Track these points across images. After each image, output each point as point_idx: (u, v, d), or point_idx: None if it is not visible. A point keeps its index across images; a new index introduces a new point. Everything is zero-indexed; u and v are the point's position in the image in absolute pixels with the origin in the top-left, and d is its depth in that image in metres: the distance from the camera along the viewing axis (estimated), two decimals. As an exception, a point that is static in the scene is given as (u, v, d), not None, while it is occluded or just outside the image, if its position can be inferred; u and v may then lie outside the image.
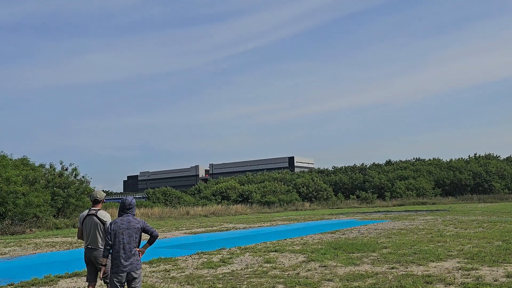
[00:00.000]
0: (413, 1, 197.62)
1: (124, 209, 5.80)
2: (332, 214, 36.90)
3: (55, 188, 31.52)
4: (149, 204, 48.75)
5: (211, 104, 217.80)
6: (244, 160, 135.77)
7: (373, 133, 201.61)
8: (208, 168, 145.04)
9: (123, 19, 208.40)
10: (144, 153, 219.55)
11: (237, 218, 35.60)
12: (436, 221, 23.37)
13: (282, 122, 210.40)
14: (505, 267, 9.12)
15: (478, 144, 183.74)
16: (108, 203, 43.63)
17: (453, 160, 69.88)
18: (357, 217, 30.85)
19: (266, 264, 10.69)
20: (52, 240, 19.77)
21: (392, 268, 9.54)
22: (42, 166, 33.96)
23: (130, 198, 5.88)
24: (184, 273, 9.80)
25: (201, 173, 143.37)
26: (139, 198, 64.74)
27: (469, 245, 12.74)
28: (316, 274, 9.18)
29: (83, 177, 34.84)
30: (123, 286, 5.55)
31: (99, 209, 6.79)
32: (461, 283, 7.76)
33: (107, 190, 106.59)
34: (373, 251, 12.18)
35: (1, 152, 32.49)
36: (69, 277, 9.86)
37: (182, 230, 24.07)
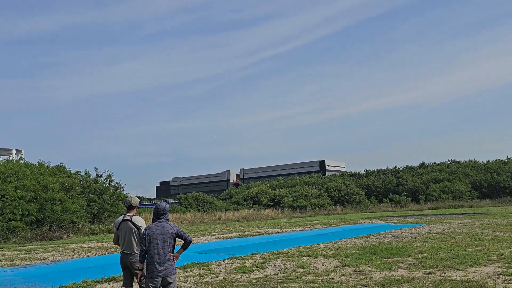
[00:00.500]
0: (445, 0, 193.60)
1: (158, 214, 5.85)
2: (365, 218, 36.36)
3: (90, 195, 32.28)
4: (181, 209, 49.27)
5: (241, 109, 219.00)
6: (275, 164, 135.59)
7: (405, 135, 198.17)
8: (239, 173, 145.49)
9: (153, 28, 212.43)
10: (176, 159, 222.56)
11: (269, 223, 35.54)
12: (473, 224, 22.69)
13: (312, 126, 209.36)
14: (550, 272, 8.74)
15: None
16: (142, 209, 44.37)
17: (490, 161, 67.71)
18: (391, 221, 30.28)
19: (299, 269, 10.61)
20: (88, 246, 20.22)
21: (429, 273, 9.29)
22: (78, 173, 34.86)
23: (163, 204, 5.93)
24: (218, 278, 9.82)
25: (232, 178, 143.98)
26: (171, 203, 65.47)
27: (510, 249, 12.30)
28: (350, 279, 9.04)
29: (117, 183, 35.58)
30: (159, 291, 5.60)
31: (133, 215, 6.89)
32: (503, 289, 7.48)
33: (141, 196, 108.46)
34: (409, 256, 11.91)
35: (39, 160, 33.64)
36: (106, 282, 10.04)
37: (215, 235, 24.19)
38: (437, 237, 16.77)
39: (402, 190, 60.97)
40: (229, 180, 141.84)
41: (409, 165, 74.56)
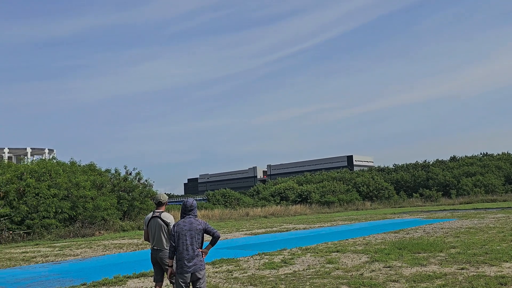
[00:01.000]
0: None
1: (186, 210, 5.90)
2: (394, 213, 35.84)
3: (120, 192, 32.85)
4: (209, 206, 49.66)
5: (267, 105, 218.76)
6: (302, 160, 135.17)
7: (435, 128, 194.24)
8: (266, 169, 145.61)
9: (177, 27, 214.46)
10: (203, 156, 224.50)
11: (297, 219, 35.45)
12: (508, 219, 22.06)
13: (339, 121, 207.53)
14: None
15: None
16: (170, 206, 44.92)
17: (525, 154, 65.73)
18: (422, 216, 29.75)
19: (328, 265, 10.54)
20: (119, 242, 20.61)
21: (462, 268, 9.09)
22: (108, 171, 35.51)
23: (190, 200, 5.97)
24: (247, 274, 9.86)
25: (259, 174, 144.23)
26: (199, 200, 66.10)
27: (547, 244, 11.91)
28: (380, 274, 8.93)
29: (146, 180, 36.08)
30: (188, 287, 5.66)
31: (162, 211, 6.97)
32: (540, 285, 7.25)
33: (169, 193, 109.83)
34: (441, 251, 11.68)
35: (71, 159, 34.44)
36: (137, 277, 10.21)
37: (243, 231, 24.29)
38: (469, 232, 16.38)
39: (432, 184, 59.80)
40: (256, 176, 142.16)
41: (440, 159, 73.13)
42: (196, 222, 5.78)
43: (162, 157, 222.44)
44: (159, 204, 7.02)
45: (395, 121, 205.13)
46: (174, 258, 5.77)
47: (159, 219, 6.84)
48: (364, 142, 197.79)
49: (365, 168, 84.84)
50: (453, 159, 72.43)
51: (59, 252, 17.38)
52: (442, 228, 18.93)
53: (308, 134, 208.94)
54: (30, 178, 26.25)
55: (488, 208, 34.98)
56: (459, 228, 18.61)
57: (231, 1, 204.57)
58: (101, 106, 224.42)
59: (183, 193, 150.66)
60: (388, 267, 9.80)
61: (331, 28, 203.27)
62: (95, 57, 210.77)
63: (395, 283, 8.08)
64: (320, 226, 25.05)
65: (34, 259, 15.14)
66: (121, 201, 32.10)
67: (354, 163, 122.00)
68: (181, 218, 5.89)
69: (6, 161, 35.40)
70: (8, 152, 63.05)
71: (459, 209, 36.73)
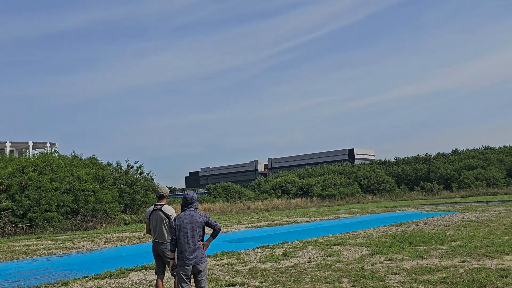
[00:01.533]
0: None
1: (187, 203, 5.91)
2: (395, 207, 35.88)
3: (122, 185, 32.92)
4: (210, 199, 49.78)
5: (270, 98, 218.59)
6: (303, 153, 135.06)
7: (436, 122, 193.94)
8: (267, 163, 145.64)
9: (181, 19, 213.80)
10: (205, 150, 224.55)
11: (298, 212, 35.51)
12: (509, 212, 22.07)
13: (340, 114, 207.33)
14: None
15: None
16: (171, 199, 45.04)
17: (527, 147, 65.64)
18: (423, 209, 29.78)
19: (329, 258, 10.57)
20: (121, 235, 20.68)
21: (463, 261, 9.11)
22: (109, 164, 35.57)
23: (191, 193, 5.98)
24: (248, 267, 9.89)
25: (261, 168, 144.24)
26: (200, 193, 66.25)
27: (548, 237, 11.92)
28: (381, 267, 8.95)
29: (147, 174, 36.14)
30: (190, 279, 5.68)
31: (164, 204, 6.99)
32: (540, 278, 7.26)
33: (170, 187, 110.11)
34: (442, 244, 11.70)
35: (73, 152, 34.51)
36: (139, 270, 10.25)
37: (244, 224, 24.35)
38: (470, 225, 16.40)
39: (433, 177, 59.81)
40: (257, 169, 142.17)
41: (441, 152, 73.08)
42: (197, 215, 5.79)
43: (164, 150, 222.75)
44: (160, 197, 7.04)
45: (397, 114, 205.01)
46: (176, 251, 5.79)
47: (160, 212, 6.86)
48: (366, 135, 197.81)
49: (366, 162, 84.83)
50: (454, 152, 72.37)
51: (61, 245, 17.45)
52: (443, 221, 18.95)
53: (310, 127, 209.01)
54: (32, 171, 26.31)
55: (490, 201, 35.00)
56: (460, 221, 18.62)
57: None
58: (104, 99, 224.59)
59: (184, 187, 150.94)
60: (389, 260, 9.82)
61: (334, 20, 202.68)
62: (98, 51, 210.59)
63: (396, 275, 8.10)
64: (321, 219, 25.09)
65: (37, 252, 15.21)
66: (123, 194, 32.18)
67: (356, 156, 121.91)
68: (182, 211, 5.91)
69: (8, 154, 35.48)
70: (10, 146, 63.13)
71: (460, 202, 36.75)
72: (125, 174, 34.50)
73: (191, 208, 5.88)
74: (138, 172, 35.66)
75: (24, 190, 25.37)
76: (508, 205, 28.31)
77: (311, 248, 12.40)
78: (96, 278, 9.42)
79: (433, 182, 57.90)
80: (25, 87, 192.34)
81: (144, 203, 33.56)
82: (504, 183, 55.81)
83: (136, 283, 8.77)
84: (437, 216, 22.34)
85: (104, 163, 35.40)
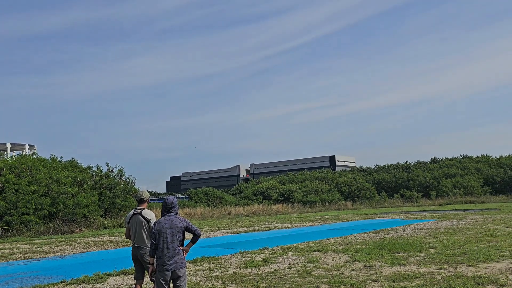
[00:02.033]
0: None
1: (167, 208, 5.88)
2: (375, 214, 36.21)
3: (102, 189, 32.53)
4: (191, 204, 49.48)
5: (252, 104, 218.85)
6: (285, 159, 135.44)
7: (416, 130, 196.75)
8: (249, 168, 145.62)
9: (165, 23, 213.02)
10: (186, 154, 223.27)
11: (279, 218, 35.56)
12: (486, 220, 22.49)
13: (322, 121, 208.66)
14: None
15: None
16: (152, 203, 44.61)
17: (503, 156, 67.05)
18: (402, 216, 30.13)
19: (309, 264, 10.61)
20: (100, 239, 20.41)
21: (440, 268, 9.25)
22: (89, 168, 35.11)
23: (171, 198, 5.96)
24: (228, 272, 9.87)
25: (242, 173, 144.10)
26: (181, 198, 65.83)
27: (523, 245, 12.18)
28: (360, 274, 9.03)
29: (128, 178, 35.77)
30: (169, 284, 5.65)
31: (144, 209, 6.94)
32: (515, 285, 7.42)
33: (151, 191, 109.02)
34: (420, 251, 11.86)
35: (52, 155, 33.99)
36: (117, 275, 10.14)
37: (225, 229, 24.28)
38: (448, 233, 16.66)
39: (413, 185, 60.63)
40: (239, 175, 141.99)
41: (421, 160, 74.20)
42: (177, 220, 5.77)
43: (145, 154, 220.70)
44: (140, 201, 6.99)
45: (377, 122, 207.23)
46: (155, 256, 5.75)
47: (140, 216, 6.81)
48: (347, 143, 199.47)
49: (347, 169, 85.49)
50: (433, 160, 73.55)
51: (38, 249, 17.14)
52: (421, 229, 19.20)
53: (292, 133, 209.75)
54: (10, 174, 25.82)
55: (467, 209, 35.61)
56: (438, 228, 18.90)
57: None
58: (85, 102, 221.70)
59: (165, 191, 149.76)
60: (368, 266, 9.91)
61: (317, 28, 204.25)
62: (80, 52, 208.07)
63: (375, 282, 8.17)
64: (302, 226, 25.18)
65: (13, 256, 14.91)
66: (103, 198, 31.79)
67: (337, 163, 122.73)
68: (162, 216, 5.87)
69: (-16, 156, 34.72)
70: (-14, 147, 61.87)
71: (438, 210, 37.30)
72: (105, 177, 34.11)
73: (171, 213, 5.85)
74: (119, 176, 35.29)
75: (0, 192, 24.87)
76: (485, 213, 28.85)
77: (291, 254, 12.44)
78: (73, 283, 9.28)
79: (412, 190, 58.68)
80: (3, 87, 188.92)
81: (124, 207, 33.18)
82: (481, 191, 56.90)
83: (114, 288, 8.66)
84: (415, 224, 22.63)
85: (84, 166, 34.94)
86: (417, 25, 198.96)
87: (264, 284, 8.34)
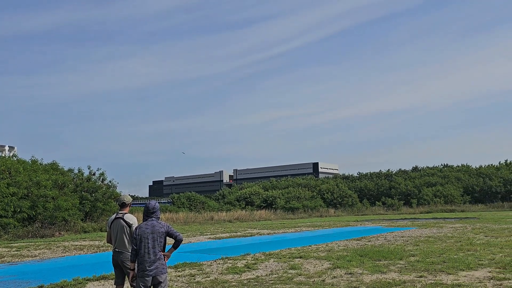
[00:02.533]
0: (442, 4, 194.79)
1: (148, 213, 5.85)
2: (357, 221, 36.44)
3: (83, 193, 32.10)
4: (174, 209, 49.13)
5: (237, 109, 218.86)
6: (268, 165, 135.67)
7: (399, 138, 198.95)
8: (232, 174, 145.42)
9: (150, 26, 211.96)
10: (169, 158, 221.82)
11: (261, 224, 35.53)
12: (465, 229, 22.82)
13: (306, 128, 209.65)
14: (539, 278, 8.81)
15: (509, 150, 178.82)
16: (134, 208, 44.12)
17: (483, 166, 68.18)
18: (383, 224, 30.38)
19: (291, 271, 10.62)
20: (80, 244, 20.12)
21: (421, 276, 9.34)
22: (71, 170, 34.64)
23: (153, 202, 5.92)
24: (209, 278, 9.81)
25: (225, 179, 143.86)
26: (164, 203, 65.30)
27: (501, 254, 12.38)
28: (342, 281, 9.07)
29: (110, 181, 35.38)
30: (150, 290, 5.59)
31: (126, 213, 6.88)
32: (492, 293, 7.53)
33: (133, 195, 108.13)
34: (400, 259, 11.96)
35: (32, 157, 33.43)
36: (97, 280, 10.00)
37: (207, 235, 24.16)
38: (428, 241, 16.84)
39: (394, 193, 61.24)
40: (222, 180, 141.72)
41: (402, 168, 75.00)
42: (158, 225, 5.73)
43: (128, 158, 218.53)
44: (122, 205, 6.93)
45: (360, 130, 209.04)
46: (136, 261, 5.70)
47: (121, 220, 6.75)
48: (330, 150, 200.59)
49: (330, 176, 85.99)
50: (415, 169, 74.40)
51: (16, 252, 16.81)
52: (402, 237, 19.38)
53: (276, 139, 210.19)
54: (-12, 175, 25.32)
55: (447, 218, 36.08)
56: (419, 236, 19.10)
57: (206, 2, 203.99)
58: (67, 103, 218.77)
59: (147, 195, 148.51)
60: (349, 273, 9.96)
61: (303, 35, 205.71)
62: (63, 54, 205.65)
63: (356, 289, 8.21)
64: (284, 232, 25.20)
65: (-11, 260, 14.59)
66: (84, 201, 31.36)
67: (320, 170, 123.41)
68: (143, 221, 5.83)
69: (-38, 157, 33.99)
70: (-35, 148, 60.64)
71: (419, 218, 37.72)
72: (87, 181, 33.67)
73: (153, 218, 5.81)
74: (101, 180, 34.87)
75: (-22, 194, 24.36)
76: (464, 222, 29.26)
77: (273, 261, 12.43)
78: (51, 288, 9.12)
79: (394, 198, 59.25)
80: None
81: (105, 211, 32.77)
82: (461, 200, 57.76)
83: (93, 294, 8.54)
84: (396, 231, 22.84)
85: (65, 169, 34.48)
86: (401, 34, 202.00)
87: (245, 291, 8.31)
